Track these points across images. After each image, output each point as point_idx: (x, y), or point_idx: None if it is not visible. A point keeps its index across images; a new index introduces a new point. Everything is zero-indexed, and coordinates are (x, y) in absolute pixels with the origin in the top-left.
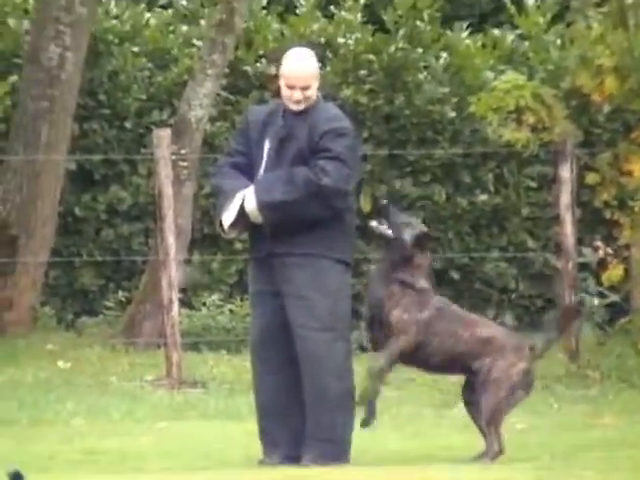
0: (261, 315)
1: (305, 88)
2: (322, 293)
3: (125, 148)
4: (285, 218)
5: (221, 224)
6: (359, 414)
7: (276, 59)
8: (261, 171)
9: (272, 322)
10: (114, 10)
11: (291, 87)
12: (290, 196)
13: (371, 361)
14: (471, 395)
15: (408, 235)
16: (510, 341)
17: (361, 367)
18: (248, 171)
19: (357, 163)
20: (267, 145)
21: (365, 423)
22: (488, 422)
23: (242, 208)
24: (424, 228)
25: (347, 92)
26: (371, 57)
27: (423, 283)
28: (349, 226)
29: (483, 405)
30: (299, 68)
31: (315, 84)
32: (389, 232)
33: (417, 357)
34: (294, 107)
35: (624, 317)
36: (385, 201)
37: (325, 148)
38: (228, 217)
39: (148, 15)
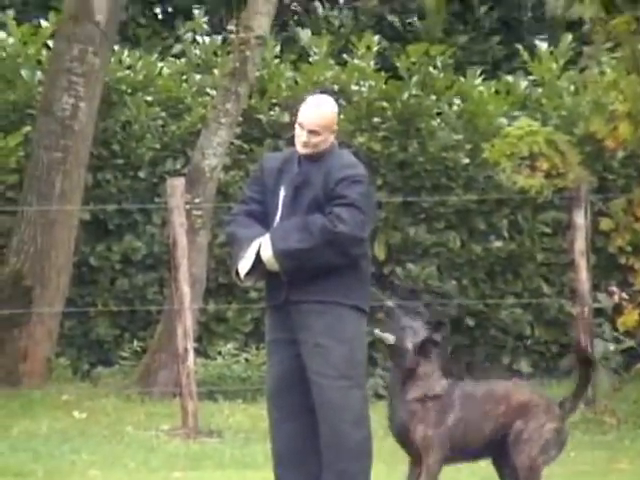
0: (278, 363)
1: (312, 132)
2: (338, 341)
3: (139, 198)
4: (301, 266)
5: (237, 273)
6: (377, 463)
7: (290, 107)
8: (277, 219)
9: (289, 370)
10: (127, 60)
11: (301, 127)
12: (306, 244)
13: None
14: (502, 458)
15: (410, 343)
16: (541, 401)
17: (377, 414)
18: (263, 219)
19: (372, 210)
20: (282, 192)
21: None
22: None
23: (258, 256)
24: (428, 333)
25: (361, 139)
26: (384, 104)
27: (437, 388)
28: (365, 273)
29: (519, 465)
30: (310, 113)
31: (327, 133)
32: (391, 338)
33: (464, 452)
34: (301, 149)
35: None
36: (391, 303)
37: (340, 195)
38: (244, 266)
39: (161, 64)
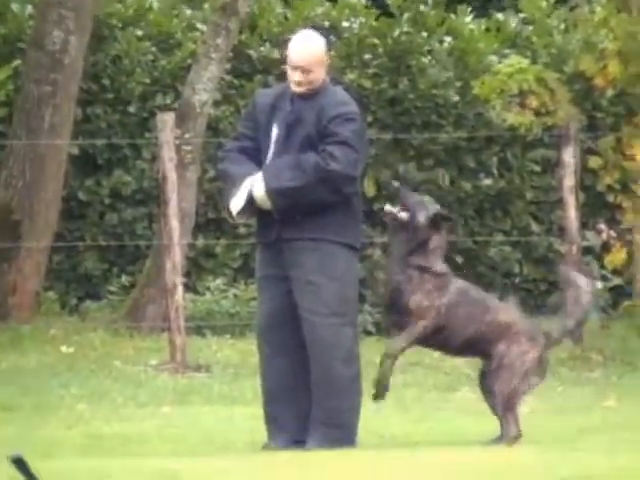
0: (269, 299)
1: (306, 71)
2: (330, 278)
3: (129, 132)
4: (294, 204)
5: (229, 210)
6: (366, 398)
7: (281, 43)
8: (269, 156)
9: (280, 306)
10: None
11: (293, 68)
12: (299, 182)
13: (388, 343)
14: (486, 385)
15: (423, 217)
16: (526, 328)
17: (366, 351)
18: (256, 155)
19: (364, 148)
20: (275, 130)
21: (377, 397)
22: (504, 408)
23: (250, 194)
24: (438, 208)
25: (351, 76)
26: (375, 41)
27: (441, 267)
28: (357, 211)
29: (497, 392)
30: (300, 51)
31: (319, 69)
32: (404, 215)
33: (437, 340)
34: (295, 88)
35: (627, 300)
36: (397, 183)
37: (333, 133)
38: (236, 203)
39: None
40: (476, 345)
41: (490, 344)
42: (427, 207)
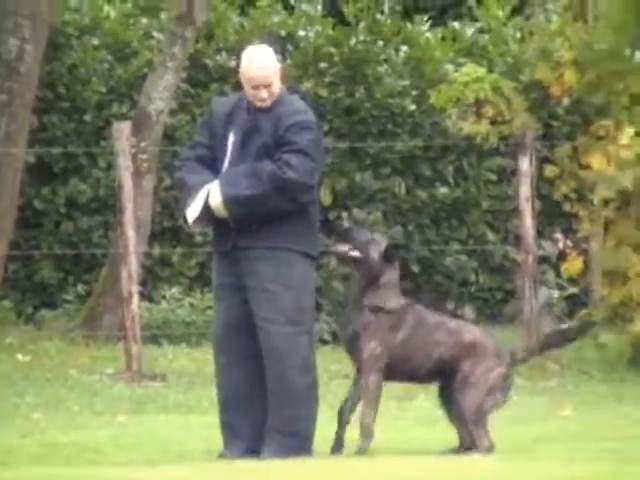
0: (225, 309)
1: (268, 86)
2: (286, 286)
3: (84, 141)
4: (250, 212)
5: (185, 219)
6: (322, 407)
7: (237, 56)
8: (225, 164)
9: (236, 315)
10: (74, 2)
11: (255, 87)
12: (255, 190)
13: (362, 420)
14: (449, 400)
15: (375, 253)
16: (491, 345)
17: (322, 360)
18: (212, 164)
19: (321, 157)
20: (231, 138)
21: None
22: (474, 423)
23: (207, 203)
24: (388, 240)
25: (307, 85)
26: (331, 50)
27: (395, 303)
28: (313, 219)
29: (466, 407)
30: (259, 69)
31: (277, 79)
32: (356, 253)
33: (404, 373)
34: (259, 104)
35: (583, 309)
36: (347, 224)
37: (290, 141)
38: (192, 212)
39: (108, 8)
40: (443, 368)
41: (457, 363)
42: (379, 242)
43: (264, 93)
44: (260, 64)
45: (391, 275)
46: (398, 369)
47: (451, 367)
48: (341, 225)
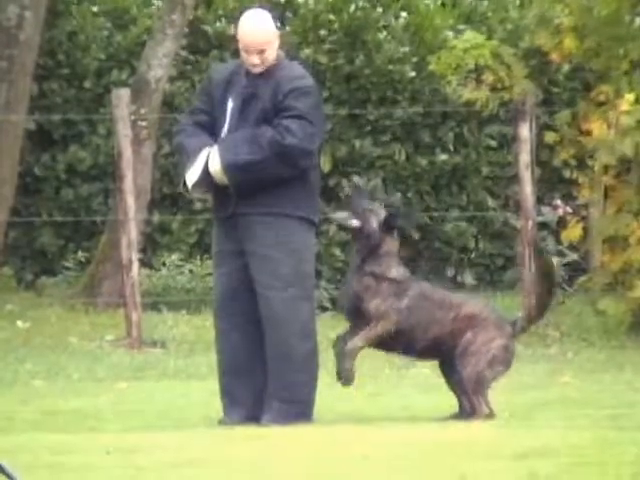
0: (225, 274)
1: (261, 52)
2: (287, 252)
3: (84, 108)
4: (250, 178)
5: (185, 183)
6: (322, 373)
7: (235, 22)
8: (225, 130)
9: (236, 281)
10: None
11: (247, 51)
12: (255, 156)
13: (348, 343)
14: (449, 368)
15: (374, 222)
16: (492, 316)
17: (322, 326)
18: (211, 130)
19: (321, 122)
20: (230, 104)
21: (344, 383)
22: (473, 391)
23: (206, 167)
24: (388, 211)
25: (307, 52)
26: (331, 17)
27: (395, 272)
28: (314, 185)
29: (465, 378)
30: (253, 33)
31: (272, 46)
32: (354, 222)
33: (401, 343)
34: (253, 70)
35: (583, 276)
36: (348, 190)
37: (289, 107)
38: (192, 176)
39: None
40: (444, 344)
41: (455, 339)
42: (378, 212)
43: (255, 59)
44: (252, 29)
45: (391, 245)
46: (396, 339)
47: (449, 344)
48: (344, 192)
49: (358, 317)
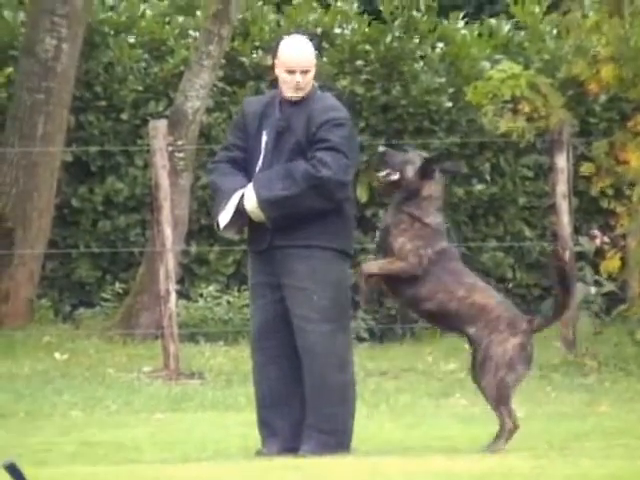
0: (262, 307)
1: (305, 72)
2: (323, 284)
3: (121, 140)
4: (286, 213)
5: (217, 224)
6: (359, 404)
7: (273, 49)
8: (259, 163)
9: (273, 314)
10: (110, 1)
11: (291, 72)
12: (290, 191)
13: (363, 265)
14: (476, 377)
15: (411, 172)
16: (505, 314)
17: (359, 357)
18: (246, 165)
19: (355, 153)
20: (264, 138)
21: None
22: (496, 401)
23: (238, 208)
24: (424, 157)
25: (344, 82)
26: (367, 47)
27: (433, 219)
28: (348, 217)
29: (486, 387)
30: (298, 52)
31: (313, 70)
32: (393, 176)
33: (409, 296)
34: (293, 94)
35: (621, 306)
36: (382, 148)
37: (323, 139)
38: (224, 218)
39: (144, 6)
40: (449, 319)
41: (463, 323)
42: (413, 161)
43: (300, 78)
44: (298, 48)
45: (432, 189)
46: (407, 288)
47: (455, 323)
48: (377, 151)
49: (384, 251)
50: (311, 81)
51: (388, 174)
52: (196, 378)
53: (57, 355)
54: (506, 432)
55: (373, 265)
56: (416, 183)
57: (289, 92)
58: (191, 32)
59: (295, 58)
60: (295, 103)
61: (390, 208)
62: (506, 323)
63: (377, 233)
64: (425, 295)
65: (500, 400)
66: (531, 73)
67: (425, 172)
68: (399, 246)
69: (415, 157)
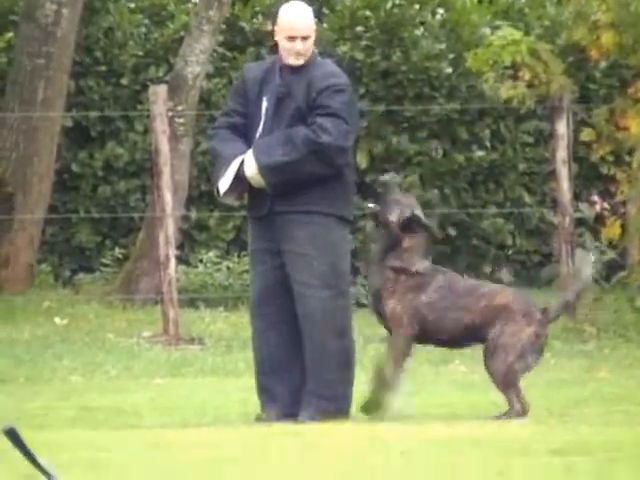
0: (262, 273)
1: (305, 38)
2: (323, 250)
3: (121, 105)
4: (287, 178)
5: (217, 190)
6: (359, 370)
7: (273, 15)
8: (259, 129)
9: (273, 280)
10: None
11: (292, 38)
12: (291, 156)
13: (383, 367)
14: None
15: (395, 216)
16: (521, 306)
17: (359, 323)
18: (246, 131)
19: (355, 119)
20: (265, 104)
21: (366, 412)
22: (504, 386)
23: (238, 174)
24: (414, 211)
25: (344, 48)
26: (368, 13)
27: (418, 265)
28: (349, 183)
29: (494, 371)
30: (298, 18)
31: (313, 36)
32: (374, 207)
33: (431, 336)
34: (294, 61)
35: (621, 272)
36: (385, 178)
37: (323, 105)
38: (224, 184)
39: None
40: (474, 333)
41: (487, 328)
42: (403, 207)
43: (301, 45)
44: (299, 14)
45: (414, 241)
46: (428, 333)
47: (483, 332)
48: (382, 178)
49: (379, 316)
50: (311, 47)
51: (374, 207)
52: (196, 343)
53: (57, 320)
54: (513, 414)
55: (388, 369)
56: (396, 230)
57: (290, 59)
58: None
59: (295, 24)
60: (295, 69)
61: (374, 268)
62: (521, 314)
63: (368, 297)
64: (450, 328)
65: (507, 384)
66: (531, 39)
67: (408, 226)
68: (390, 311)
69: (407, 205)
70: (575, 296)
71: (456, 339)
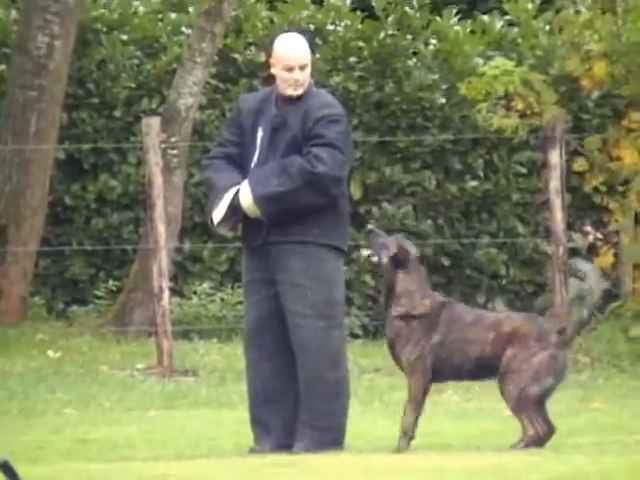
0: (256, 304)
1: (303, 67)
2: (317, 280)
3: (114, 137)
4: (283, 208)
5: (211, 221)
6: (353, 401)
7: (268, 47)
8: (255, 159)
9: (267, 310)
10: None
11: (290, 69)
12: (286, 187)
13: (403, 418)
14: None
15: (385, 257)
16: (533, 330)
17: (353, 354)
18: (240, 161)
19: (350, 149)
20: (260, 133)
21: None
22: (517, 411)
23: (232, 205)
24: (400, 244)
25: (337, 79)
26: (360, 44)
27: (421, 308)
28: (343, 213)
29: (507, 396)
30: (295, 48)
31: (309, 66)
32: (374, 259)
33: (447, 373)
34: (293, 92)
35: (615, 302)
36: (370, 227)
37: (318, 135)
38: (218, 214)
39: (136, 3)
40: (489, 362)
41: (499, 356)
42: (389, 247)
43: (299, 74)
44: (295, 44)
45: (406, 281)
46: (441, 370)
47: (495, 362)
48: (367, 228)
49: (395, 361)
50: (309, 77)
51: (370, 255)
52: (190, 375)
53: (50, 353)
54: (527, 437)
55: (408, 418)
56: (390, 272)
57: (289, 90)
58: (184, 29)
59: (292, 54)
60: (291, 99)
61: (385, 319)
62: (534, 338)
63: (386, 340)
64: (461, 362)
65: (519, 409)
66: (524, 69)
67: (397, 263)
68: (406, 360)
69: (391, 243)
70: (589, 316)
71: (466, 372)
